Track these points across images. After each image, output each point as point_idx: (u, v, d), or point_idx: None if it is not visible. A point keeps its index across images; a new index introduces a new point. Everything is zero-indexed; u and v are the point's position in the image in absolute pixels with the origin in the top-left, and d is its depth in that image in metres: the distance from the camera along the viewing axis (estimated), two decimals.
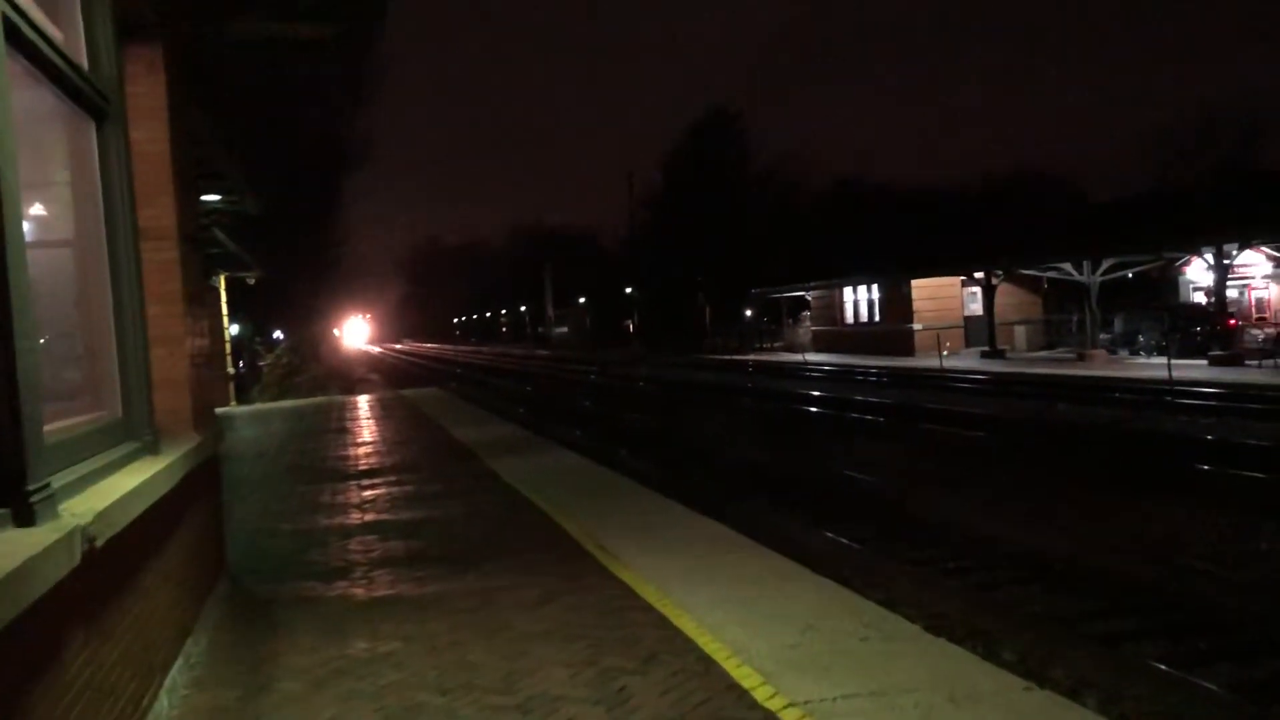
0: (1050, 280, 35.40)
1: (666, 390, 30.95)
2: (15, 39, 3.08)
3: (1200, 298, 30.92)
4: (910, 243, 42.31)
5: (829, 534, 9.59)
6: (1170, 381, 20.40)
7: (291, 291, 41.08)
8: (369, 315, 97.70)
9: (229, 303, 27.76)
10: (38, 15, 3.43)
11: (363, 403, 26.29)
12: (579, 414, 24.44)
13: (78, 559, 2.86)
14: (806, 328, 50.40)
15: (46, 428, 3.07)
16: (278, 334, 46.03)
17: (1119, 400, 19.97)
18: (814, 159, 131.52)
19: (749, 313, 59.39)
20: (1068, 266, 31.13)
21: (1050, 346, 36.35)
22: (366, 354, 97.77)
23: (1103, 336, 31.40)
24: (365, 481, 11.29)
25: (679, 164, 77.08)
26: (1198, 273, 30.57)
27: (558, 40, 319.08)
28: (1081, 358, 29.56)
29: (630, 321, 79.35)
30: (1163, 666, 5.88)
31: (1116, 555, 8.34)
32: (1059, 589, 7.68)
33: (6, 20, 2.91)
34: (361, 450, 14.55)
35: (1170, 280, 33.25)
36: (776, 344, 53.66)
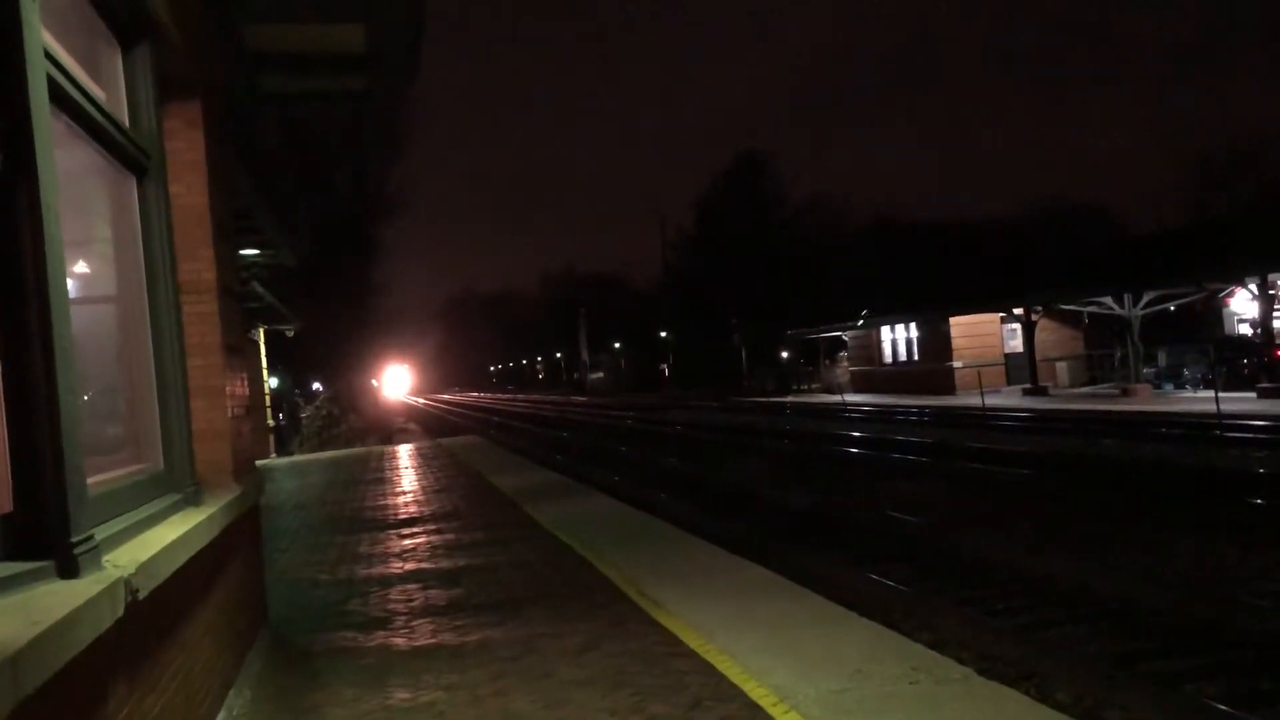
0: (1091, 315, 34.97)
1: (704, 434, 30.80)
2: (59, 98, 3.14)
3: (1246, 329, 30.37)
4: (947, 279, 41.96)
5: (873, 576, 9.43)
6: (1218, 415, 19.99)
7: (330, 343, 41.59)
8: (408, 365, 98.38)
9: (268, 355, 28.14)
10: (80, 75, 3.50)
11: (401, 452, 26.39)
12: (616, 459, 24.37)
13: (121, 611, 2.85)
14: (844, 368, 50.04)
15: (90, 480, 3.09)
16: (316, 385, 46.55)
17: (1166, 435, 19.58)
18: (847, 197, 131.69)
19: (785, 354, 59.15)
20: (1108, 300, 30.75)
21: (1093, 382, 35.83)
22: (405, 404, 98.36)
23: (1146, 371, 30.90)
24: (404, 530, 11.29)
25: (712, 206, 77.55)
26: (1242, 304, 30.06)
27: (587, 84, 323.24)
28: (1126, 393, 29.10)
29: (665, 365, 79.37)
30: (1224, 707, 5.68)
31: (1171, 592, 8.11)
32: (1113, 628, 7.48)
33: (51, 80, 2.97)
34: (400, 499, 14.57)
35: (1214, 312, 32.71)
36: (814, 385, 53.32)
